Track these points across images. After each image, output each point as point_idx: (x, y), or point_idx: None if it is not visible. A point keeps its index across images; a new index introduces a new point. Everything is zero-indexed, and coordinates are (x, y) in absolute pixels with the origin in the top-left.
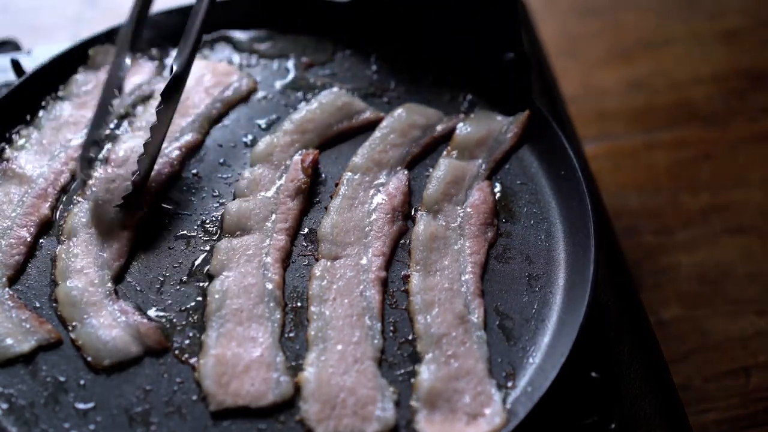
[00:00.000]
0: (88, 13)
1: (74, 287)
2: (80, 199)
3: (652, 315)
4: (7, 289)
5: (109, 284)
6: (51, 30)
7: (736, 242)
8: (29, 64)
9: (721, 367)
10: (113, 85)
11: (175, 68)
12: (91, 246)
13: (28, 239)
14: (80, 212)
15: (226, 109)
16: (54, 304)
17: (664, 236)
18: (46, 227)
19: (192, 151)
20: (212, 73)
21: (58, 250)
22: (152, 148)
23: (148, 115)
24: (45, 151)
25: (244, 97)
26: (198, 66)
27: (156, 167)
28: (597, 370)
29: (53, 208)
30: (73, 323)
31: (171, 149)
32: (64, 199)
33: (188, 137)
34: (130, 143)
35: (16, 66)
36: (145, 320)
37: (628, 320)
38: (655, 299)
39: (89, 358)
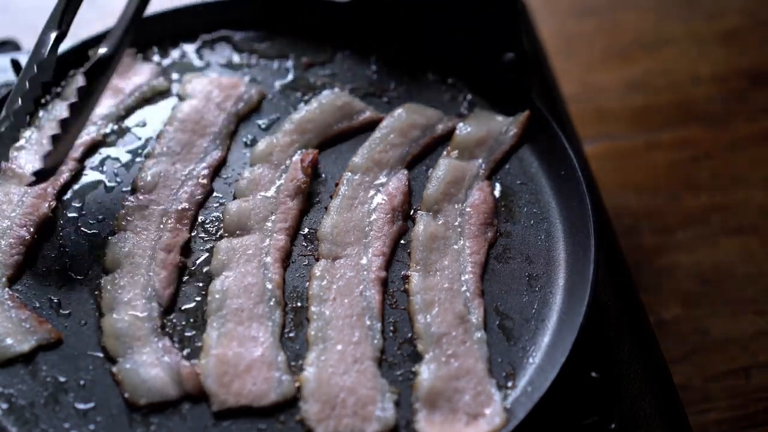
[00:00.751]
0: (88, 13)
1: (120, 320)
2: (117, 229)
3: (652, 315)
4: (6, 289)
5: (157, 318)
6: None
7: (736, 242)
8: None
9: (721, 367)
10: (34, 62)
11: (103, 50)
12: (137, 276)
13: (28, 238)
14: (120, 242)
15: (241, 121)
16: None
17: (664, 236)
18: (46, 227)
19: (219, 167)
20: (219, 89)
21: (103, 281)
22: (73, 132)
23: (166, 140)
24: (44, 151)
25: (255, 108)
26: (203, 83)
27: (189, 188)
28: (597, 370)
29: (53, 208)
30: (117, 357)
31: (199, 169)
32: (64, 198)
33: (213, 155)
34: (155, 169)
35: (16, 66)
36: (187, 363)
37: (628, 320)
38: (655, 299)
39: (126, 395)
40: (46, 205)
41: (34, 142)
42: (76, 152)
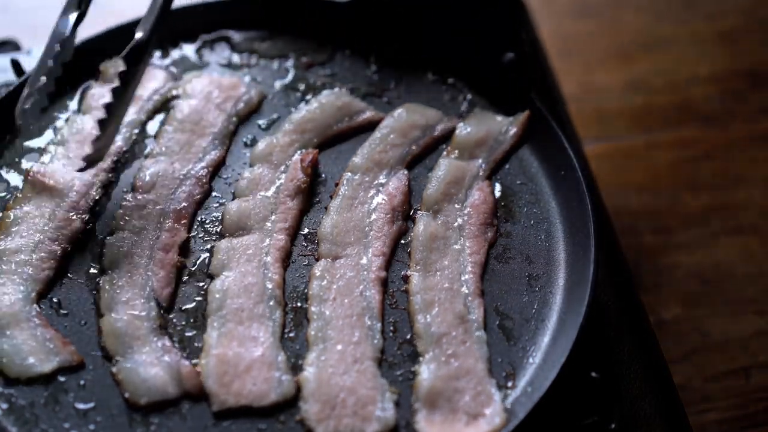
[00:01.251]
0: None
1: (119, 319)
2: (115, 228)
3: (652, 315)
4: (35, 305)
5: (156, 317)
6: (51, 30)
7: (736, 242)
8: (29, 64)
9: (721, 367)
10: (56, 40)
11: (138, 35)
12: (136, 276)
13: (59, 253)
14: (118, 242)
15: (241, 121)
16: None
17: (664, 236)
18: (77, 242)
19: (218, 167)
20: (219, 89)
21: (101, 281)
22: (118, 115)
23: (165, 140)
24: (73, 164)
25: (255, 109)
26: (203, 83)
27: (187, 188)
28: (597, 370)
29: (85, 222)
30: (116, 357)
31: (198, 169)
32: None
33: (212, 155)
34: (154, 168)
35: (16, 66)
36: (187, 362)
37: (628, 320)
38: (655, 299)
39: (126, 394)
40: (79, 219)
41: (60, 156)
42: (106, 163)
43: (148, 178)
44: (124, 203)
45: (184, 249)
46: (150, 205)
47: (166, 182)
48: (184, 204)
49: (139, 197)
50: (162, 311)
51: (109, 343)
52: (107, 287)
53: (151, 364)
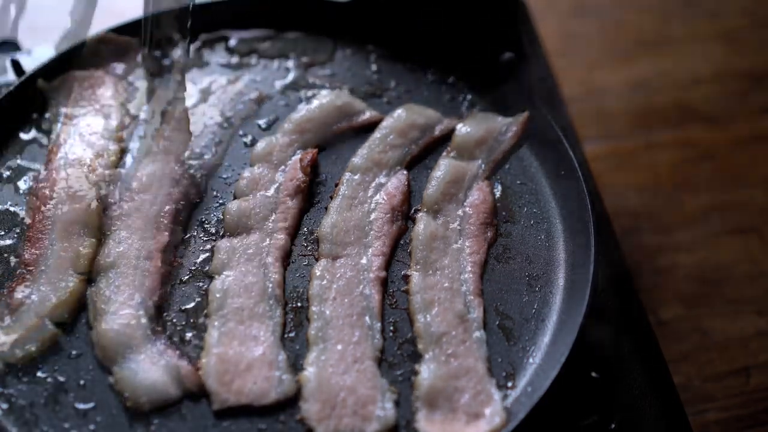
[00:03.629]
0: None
1: (110, 329)
2: (108, 231)
3: (652, 315)
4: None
5: (151, 318)
6: (51, 30)
7: (736, 242)
8: (29, 64)
9: (721, 367)
10: None
11: None
12: (126, 281)
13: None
14: (114, 241)
15: (240, 123)
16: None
17: (664, 236)
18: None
19: (215, 168)
20: (219, 90)
21: (89, 292)
22: None
23: (162, 139)
24: None
25: (255, 109)
26: (203, 83)
27: (182, 189)
28: (597, 370)
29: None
30: (113, 366)
31: (195, 169)
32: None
33: (209, 155)
34: (150, 168)
35: (16, 66)
36: (185, 362)
37: (628, 320)
38: (655, 299)
39: (128, 402)
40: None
41: None
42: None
43: (144, 179)
44: (119, 202)
45: (183, 249)
46: (146, 205)
47: (162, 182)
48: (179, 204)
49: (136, 198)
50: (158, 311)
51: (101, 353)
52: (95, 298)
53: (150, 368)
